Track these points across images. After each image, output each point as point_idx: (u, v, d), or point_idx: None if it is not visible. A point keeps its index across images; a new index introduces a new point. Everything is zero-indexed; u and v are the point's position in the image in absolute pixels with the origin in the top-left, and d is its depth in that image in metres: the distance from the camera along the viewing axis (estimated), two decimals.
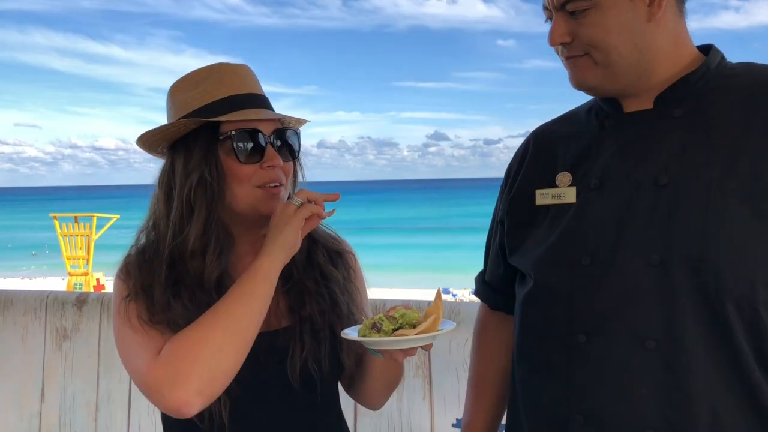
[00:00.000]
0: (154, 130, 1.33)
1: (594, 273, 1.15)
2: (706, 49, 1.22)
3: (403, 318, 1.18)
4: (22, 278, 26.96)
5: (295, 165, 1.41)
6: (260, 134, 1.32)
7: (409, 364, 2.10)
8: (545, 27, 1.22)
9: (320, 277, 1.40)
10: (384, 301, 2.09)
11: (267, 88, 1.45)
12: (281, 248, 1.23)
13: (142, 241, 1.37)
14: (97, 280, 16.27)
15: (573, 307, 1.17)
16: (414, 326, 1.17)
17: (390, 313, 1.20)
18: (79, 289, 15.77)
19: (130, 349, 1.24)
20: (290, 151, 1.38)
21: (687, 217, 1.09)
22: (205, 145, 1.30)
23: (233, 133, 1.30)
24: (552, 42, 1.20)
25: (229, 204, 1.32)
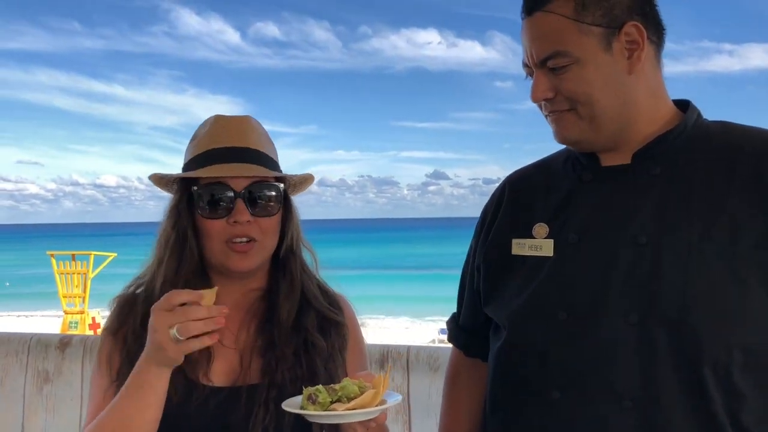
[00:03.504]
0: (153, 175, 1.36)
1: (570, 329, 1.13)
2: (683, 104, 1.23)
3: (342, 390, 1.14)
4: (18, 316, 26.74)
5: (285, 218, 1.36)
6: (226, 189, 1.28)
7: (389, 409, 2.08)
8: None
9: (302, 343, 1.32)
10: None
11: (268, 128, 1.40)
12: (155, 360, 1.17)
13: (138, 276, 1.39)
14: (93, 318, 16.11)
15: (547, 362, 1.16)
16: (351, 400, 1.12)
17: (332, 384, 1.16)
18: (75, 327, 15.62)
19: (91, 384, 1.35)
20: (268, 206, 1.31)
21: (667, 278, 1.08)
22: (183, 198, 1.32)
23: (196, 188, 1.30)
24: (535, 99, 1.19)
25: (206, 256, 1.33)
